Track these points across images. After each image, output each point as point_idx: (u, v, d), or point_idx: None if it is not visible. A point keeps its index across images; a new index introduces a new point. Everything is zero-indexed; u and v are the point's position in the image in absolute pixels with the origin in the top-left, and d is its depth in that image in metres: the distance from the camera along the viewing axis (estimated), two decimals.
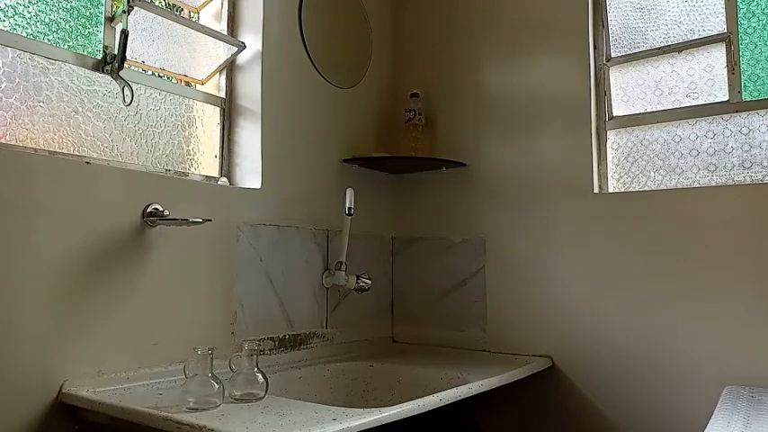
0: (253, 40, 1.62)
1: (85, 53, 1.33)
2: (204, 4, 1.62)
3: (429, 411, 1.15)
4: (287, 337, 1.60)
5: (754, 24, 1.52)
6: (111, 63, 1.32)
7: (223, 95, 1.63)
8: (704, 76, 1.57)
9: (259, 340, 1.52)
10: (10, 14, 1.21)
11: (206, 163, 1.59)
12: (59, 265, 1.15)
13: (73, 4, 1.33)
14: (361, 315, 1.85)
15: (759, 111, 1.48)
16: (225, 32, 1.62)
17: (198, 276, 1.39)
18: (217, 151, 1.61)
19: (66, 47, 1.30)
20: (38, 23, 1.26)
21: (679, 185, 1.57)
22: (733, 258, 1.40)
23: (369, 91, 1.95)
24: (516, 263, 1.74)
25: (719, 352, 1.40)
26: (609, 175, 1.68)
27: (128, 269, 1.26)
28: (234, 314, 1.47)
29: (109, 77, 1.34)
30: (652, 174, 1.63)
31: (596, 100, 1.69)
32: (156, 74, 1.50)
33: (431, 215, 1.94)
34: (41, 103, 1.25)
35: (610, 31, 1.71)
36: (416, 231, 1.96)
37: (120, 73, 1.32)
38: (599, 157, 1.68)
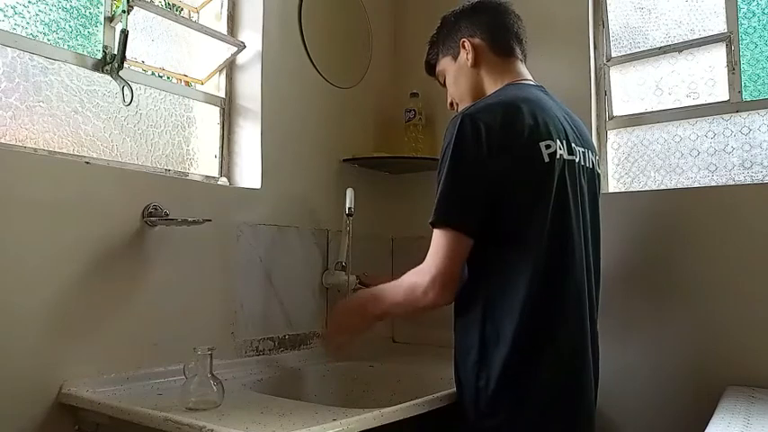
0: (253, 40, 1.61)
1: (85, 53, 1.33)
2: (204, 4, 1.62)
3: (429, 411, 1.15)
4: (287, 337, 1.60)
5: (754, 24, 1.52)
6: (111, 63, 1.32)
7: (223, 95, 1.63)
8: (704, 76, 1.57)
9: (259, 340, 1.52)
10: (10, 14, 1.21)
11: (206, 163, 1.59)
12: (59, 264, 1.15)
13: (73, 3, 1.33)
14: None
15: (759, 111, 1.48)
16: (225, 32, 1.62)
17: (198, 276, 1.39)
18: (216, 151, 1.61)
19: (66, 47, 1.30)
20: (38, 23, 1.26)
21: (679, 185, 1.57)
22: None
23: (369, 91, 1.95)
24: None
25: (719, 352, 1.39)
26: (609, 175, 1.68)
27: (127, 269, 1.26)
28: (234, 314, 1.47)
29: (109, 77, 1.34)
30: (652, 174, 1.63)
31: (596, 100, 1.68)
32: (156, 74, 1.50)
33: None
34: (41, 103, 1.25)
35: (610, 31, 1.70)
36: (417, 231, 1.93)
37: (120, 73, 1.32)
38: (599, 157, 1.68)
